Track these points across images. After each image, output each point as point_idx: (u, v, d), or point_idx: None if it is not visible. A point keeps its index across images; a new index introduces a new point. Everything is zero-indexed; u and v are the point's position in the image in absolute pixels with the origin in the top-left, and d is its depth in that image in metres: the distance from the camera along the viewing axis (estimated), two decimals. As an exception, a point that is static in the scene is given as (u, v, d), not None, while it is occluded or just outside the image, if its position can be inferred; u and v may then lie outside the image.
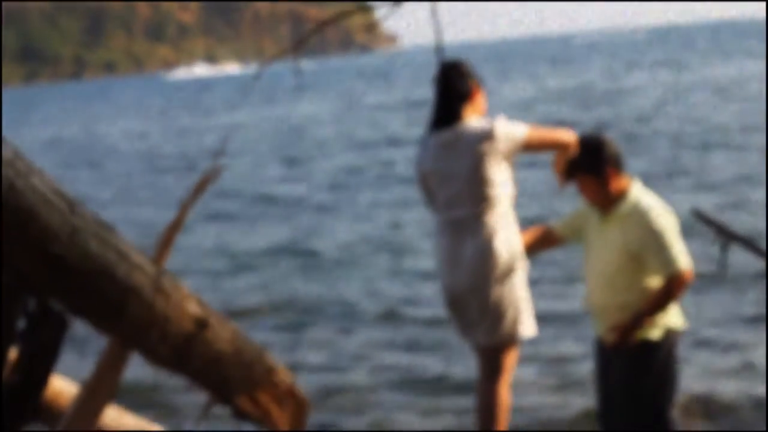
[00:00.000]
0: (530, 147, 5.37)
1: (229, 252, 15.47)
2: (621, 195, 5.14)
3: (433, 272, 11.47)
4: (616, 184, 5.15)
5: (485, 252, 5.26)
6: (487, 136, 5.29)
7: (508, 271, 5.28)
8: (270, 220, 18.48)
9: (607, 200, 5.15)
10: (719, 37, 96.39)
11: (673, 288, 5.00)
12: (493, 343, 5.33)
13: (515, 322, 5.31)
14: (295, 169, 25.86)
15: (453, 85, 5.45)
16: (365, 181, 22.16)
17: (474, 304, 5.30)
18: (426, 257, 12.69)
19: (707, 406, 7.48)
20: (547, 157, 5.53)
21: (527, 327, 5.38)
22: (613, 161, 5.17)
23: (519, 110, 31.03)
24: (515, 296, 5.31)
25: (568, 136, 5.41)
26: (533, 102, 38.35)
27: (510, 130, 5.33)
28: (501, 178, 5.32)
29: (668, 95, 35.88)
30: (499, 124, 5.33)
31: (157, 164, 30.29)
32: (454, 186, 5.34)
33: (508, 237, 5.30)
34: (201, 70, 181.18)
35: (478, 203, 5.29)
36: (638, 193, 5.16)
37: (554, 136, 5.41)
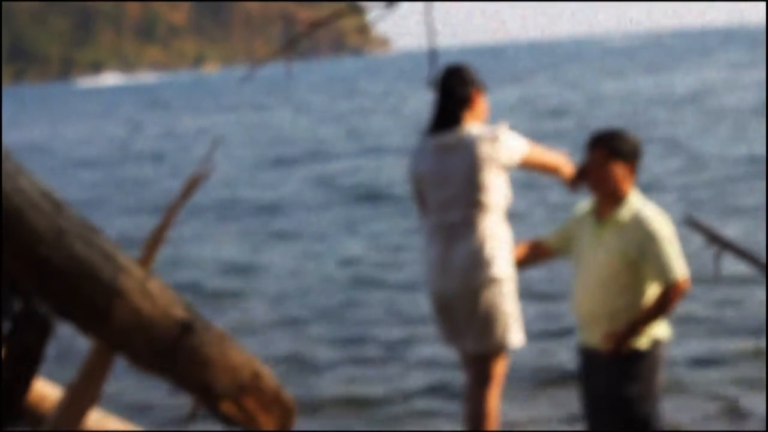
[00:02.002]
0: (527, 163, 5.40)
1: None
2: (622, 198, 5.15)
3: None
4: (625, 183, 5.16)
5: (476, 257, 5.26)
6: (489, 141, 5.31)
7: (499, 279, 5.29)
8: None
9: (610, 192, 5.12)
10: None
11: (670, 297, 5.02)
12: (482, 350, 5.34)
13: (505, 330, 5.32)
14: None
15: (453, 89, 5.46)
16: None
17: (463, 310, 5.30)
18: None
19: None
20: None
21: (516, 336, 5.38)
22: (636, 160, 5.19)
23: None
24: (505, 304, 5.31)
25: (564, 160, 5.46)
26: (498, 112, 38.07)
27: (513, 141, 5.34)
28: (496, 186, 5.33)
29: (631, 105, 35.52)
30: (503, 132, 5.34)
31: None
32: (449, 189, 5.35)
33: (499, 244, 5.31)
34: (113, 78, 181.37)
35: (471, 208, 5.30)
36: (638, 201, 5.18)
37: (552, 157, 5.46)
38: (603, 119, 29.65)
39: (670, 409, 5.84)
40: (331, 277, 13.39)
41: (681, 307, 5.61)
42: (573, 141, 24.71)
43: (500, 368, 5.39)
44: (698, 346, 9.02)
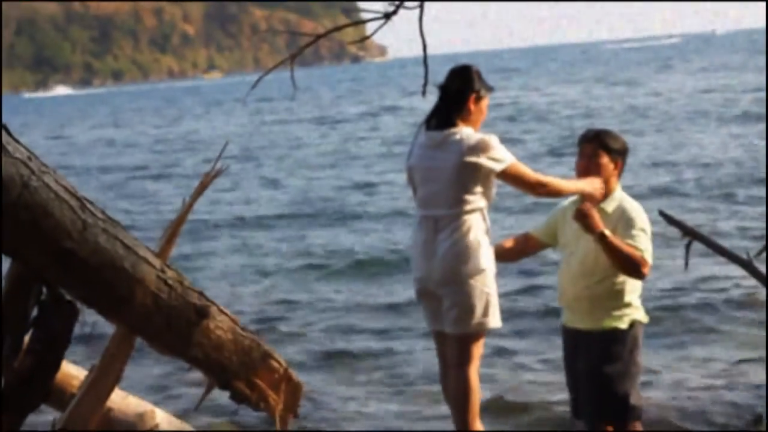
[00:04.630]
0: (507, 176, 5.32)
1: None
2: (609, 192, 5.21)
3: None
4: (612, 178, 5.21)
5: (458, 250, 5.28)
6: (474, 146, 5.29)
7: (478, 272, 5.31)
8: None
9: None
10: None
11: (637, 261, 5.00)
12: (462, 332, 5.37)
13: (484, 314, 5.35)
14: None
15: (451, 91, 5.45)
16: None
17: (444, 298, 5.33)
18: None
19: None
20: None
21: (494, 319, 5.41)
22: (624, 159, 5.24)
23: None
24: (485, 290, 5.33)
25: (544, 179, 5.35)
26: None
27: (500, 152, 5.31)
28: (479, 189, 5.34)
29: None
30: (494, 141, 5.32)
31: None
32: (434, 186, 5.36)
33: (479, 239, 5.32)
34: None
35: (453, 206, 5.31)
36: (623, 195, 5.23)
37: (532, 175, 5.35)
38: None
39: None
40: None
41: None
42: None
43: (479, 348, 5.44)
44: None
